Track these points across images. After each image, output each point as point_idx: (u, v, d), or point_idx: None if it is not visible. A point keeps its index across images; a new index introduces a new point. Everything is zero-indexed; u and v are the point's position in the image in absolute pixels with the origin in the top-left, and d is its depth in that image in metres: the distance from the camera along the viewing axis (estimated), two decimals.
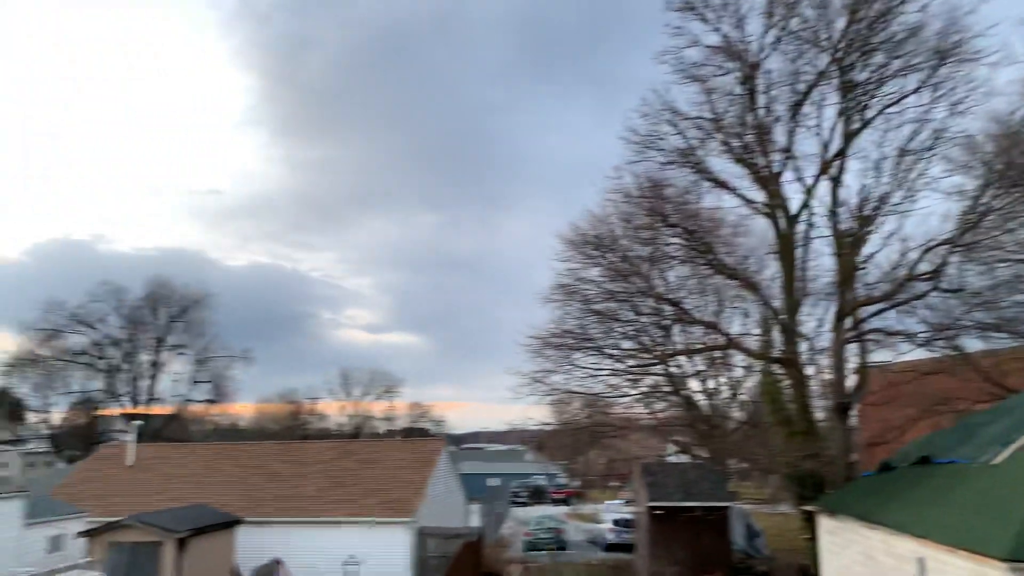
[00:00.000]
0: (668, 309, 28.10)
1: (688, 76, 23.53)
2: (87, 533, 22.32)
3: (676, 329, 29.89)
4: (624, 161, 25.46)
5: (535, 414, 38.68)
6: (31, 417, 66.27)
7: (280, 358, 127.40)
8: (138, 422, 38.48)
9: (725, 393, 32.14)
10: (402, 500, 27.91)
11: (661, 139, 24.31)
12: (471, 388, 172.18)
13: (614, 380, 29.58)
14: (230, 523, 24.56)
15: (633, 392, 29.81)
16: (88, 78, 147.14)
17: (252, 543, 25.85)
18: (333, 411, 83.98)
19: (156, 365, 62.12)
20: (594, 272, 29.62)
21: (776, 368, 24.63)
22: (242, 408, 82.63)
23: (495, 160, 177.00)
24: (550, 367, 29.58)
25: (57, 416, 62.22)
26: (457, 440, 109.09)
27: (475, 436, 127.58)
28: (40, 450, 64.84)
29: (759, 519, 37.30)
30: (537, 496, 70.04)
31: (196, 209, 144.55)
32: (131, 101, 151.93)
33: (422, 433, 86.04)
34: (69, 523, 25.45)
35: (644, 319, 29.54)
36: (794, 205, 23.55)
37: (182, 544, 21.19)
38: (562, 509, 59.39)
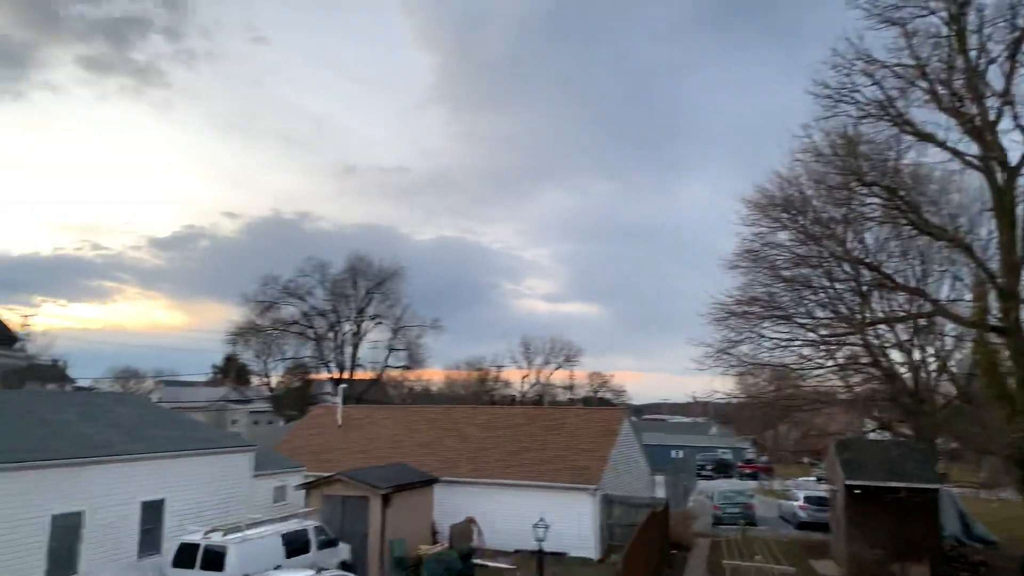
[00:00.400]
0: (866, 274, 26.35)
1: (885, 20, 21.67)
2: (305, 486, 24.76)
3: (875, 296, 27.97)
4: (813, 118, 24.00)
5: (720, 386, 37.65)
6: (254, 380, 74.27)
7: (467, 327, 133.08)
8: (343, 386, 41.93)
9: (932, 365, 29.63)
10: (586, 467, 28.37)
11: (855, 91, 22.67)
12: (651, 358, 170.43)
13: (806, 351, 28.27)
14: (428, 481, 26.19)
15: (828, 364, 28.32)
16: (288, 67, 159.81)
17: (446, 501, 27.42)
18: (516, 378, 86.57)
19: (357, 334, 67.10)
20: (783, 236, 28.32)
21: (993, 338, 22.36)
22: (433, 374, 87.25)
23: (672, 124, 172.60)
24: (736, 337, 28.76)
25: (275, 380, 69.06)
26: (638, 411, 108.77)
27: (656, 407, 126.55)
28: (262, 410, 72.32)
29: (971, 505, 34.25)
30: (723, 470, 68.51)
31: (387, 187, 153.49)
32: (328, 84, 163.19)
33: (602, 403, 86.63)
34: (289, 476, 28.30)
35: (839, 285, 27.90)
36: (1014, 156, 21.12)
37: (386, 499, 22.92)
38: (750, 484, 57.70)
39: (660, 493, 35.98)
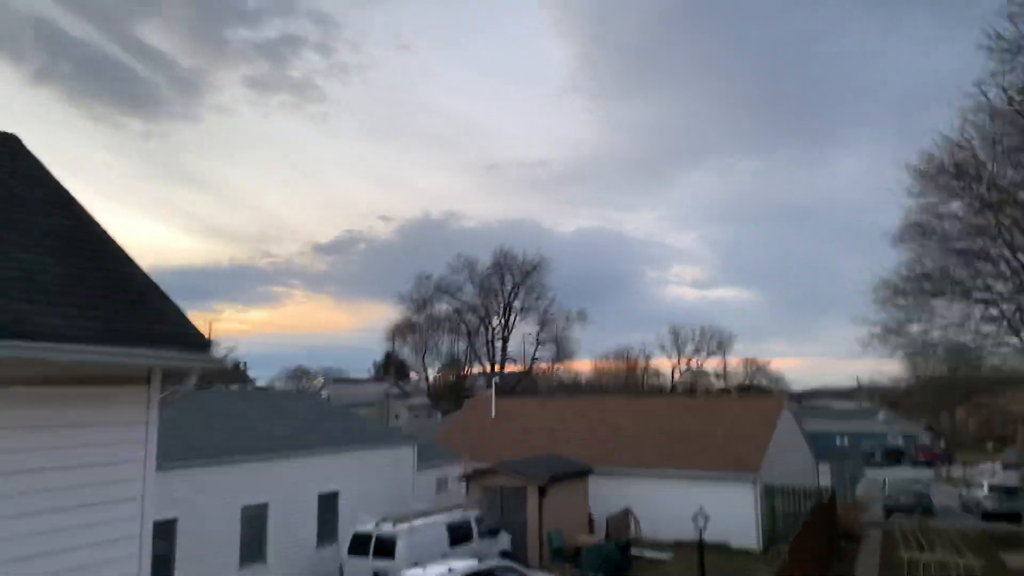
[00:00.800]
0: None
1: None
2: (465, 477, 25.71)
3: None
4: (986, 73, 22.04)
5: (887, 368, 35.55)
6: (412, 375, 77.83)
7: (613, 317, 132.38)
8: (496, 379, 43.04)
9: None
10: (745, 456, 27.63)
11: None
12: (808, 342, 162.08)
13: (987, 328, 26.08)
14: (583, 472, 26.45)
15: (1011, 342, 26.04)
16: (432, 70, 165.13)
17: (600, 492, 27.52)
18: (666, 368, 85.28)
19: (506, 327, 68.63)
20: (954, 206, 26.27)
21: None
22: (582, 365, 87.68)
23: (820, 95, 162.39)
24: (904, 317, 27.04)
25: (432, 374, 71.97)
26: (797, 397, 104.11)
27: (817, 393, 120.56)
28: (421, 404, 75.57)
29: None
30: (894, 457, 64.37)
31: (528, 180, 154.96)
32: (469, 84, 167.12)
33: (758, 390, 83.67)
34: (449, 467, 29.43)
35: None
36: None
37: (543, 490, 23.40)
38: (925, 472, 53.88)
39: (825, 482, 34.45)
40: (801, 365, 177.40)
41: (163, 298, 7.35)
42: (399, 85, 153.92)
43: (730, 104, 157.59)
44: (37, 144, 8.75)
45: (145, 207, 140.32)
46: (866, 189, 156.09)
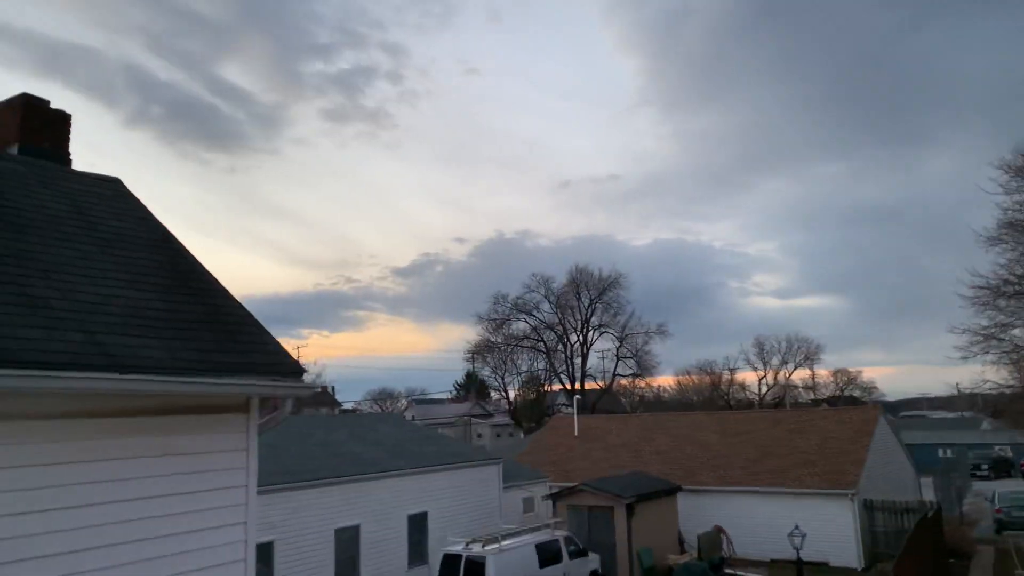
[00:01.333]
0: None
1: None
2: (551, 496, 25.61)
3: None
4: None
5: (989, 375, 33.65)
6: (493, 395, 78.15)
7: (693, 330, 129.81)
8: (577, 396, 42.83)
9: None
10: (840, 471, 26.63)
11: None
12: (902, 350, 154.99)
13: None
14: (671, 490, 25.97)
15: None
16: (500, 93, 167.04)
17: (689, 510, 26.99)
18: (752, 381, 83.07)
19: (584, 344, 68.22)
20: None
21: None
22: (663, 380, 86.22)
23: (904, 91, 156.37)
24: (1006, 320, 25.70)
25: (512, 393, 72.10)
26: (892, 407, 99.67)
27: (914, 403, 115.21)
28: (503, 423, 75.76)
29: None
30: (1003, 469, 60.70)
31: (601, 196, 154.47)
32: (538, 104, 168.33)
33: (851, 401, 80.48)
34: (535, 487, 29.39)
35: None
36: None
37: (631, 509, 23.07)
38: None
39: (928, 496, 32.82)
40: (895, 374, 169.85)
41: (258, 328, 7.64)
42: (469, 109, 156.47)
43: (807, 107, 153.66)
44: (132, 183, 9.31)
45: (233, 238, 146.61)
46: (957, 188, 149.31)
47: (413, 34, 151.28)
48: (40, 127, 8.85)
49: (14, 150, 8.61)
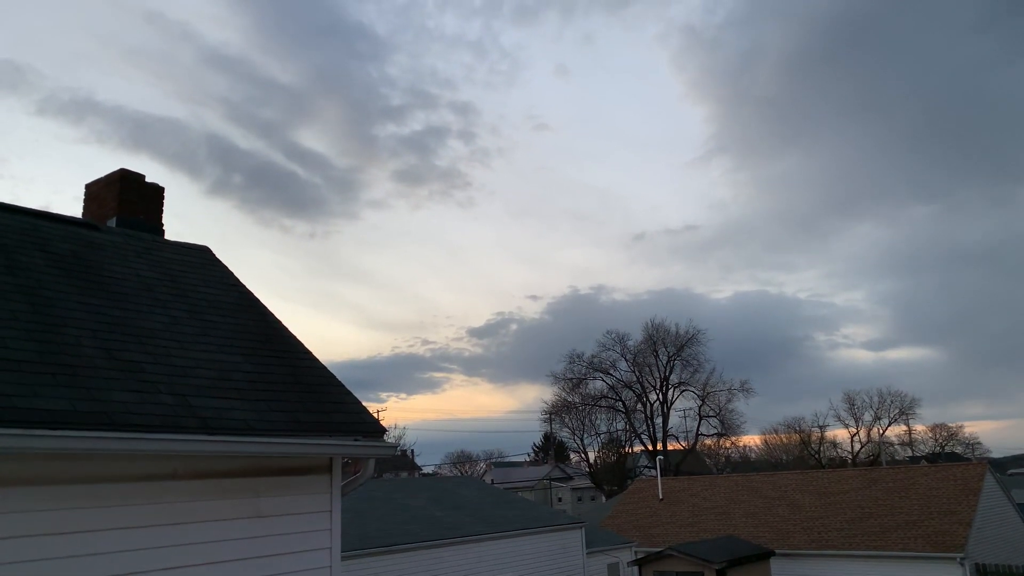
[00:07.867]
0: None
1: None
2: (637, 563, 24.73)
3: None
4: None
5: None
6: (572, 457, 76.82)
7: (779, 386, 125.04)
8: (660, 458, 41.66)
9: None
10: (946, 532, 24.90)
11: None
12: (1008, 402, 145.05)
13: None
14: (764, 555, 24.74)
15: None
16: (570, 146, 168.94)
17: (783, 575, 25.65)
18: (843, 438, 79.32)
19: (664, 403, 66.63)
20: None
21: None
22: (750, 439, 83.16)
23: (998, 124, 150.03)
24: None
25: (592, 455, 70.68)
26: (999, 464, 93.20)
27: (1022, 459, 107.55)
28: (584, 486, 74.18)
29: None
30: None
31: (677, 248, 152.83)
32: (609, 156, 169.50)
33: (952, 457, 75.83)
34: (620, 552, 28.43)
35: None
36: None
37: (722, 574, 22.04)
38: None
39: None
40: (1000, 428, 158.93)
41: (341, 389, 7.73)
42: (540, 164, 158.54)
43: (893, 146, 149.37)
44: (217, 250, 9.70)
45: (314, 302, 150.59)
46: None
47: (482, 92, 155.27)
48: (136, 200, 9.37)
49: (113, 222, 9.12)
